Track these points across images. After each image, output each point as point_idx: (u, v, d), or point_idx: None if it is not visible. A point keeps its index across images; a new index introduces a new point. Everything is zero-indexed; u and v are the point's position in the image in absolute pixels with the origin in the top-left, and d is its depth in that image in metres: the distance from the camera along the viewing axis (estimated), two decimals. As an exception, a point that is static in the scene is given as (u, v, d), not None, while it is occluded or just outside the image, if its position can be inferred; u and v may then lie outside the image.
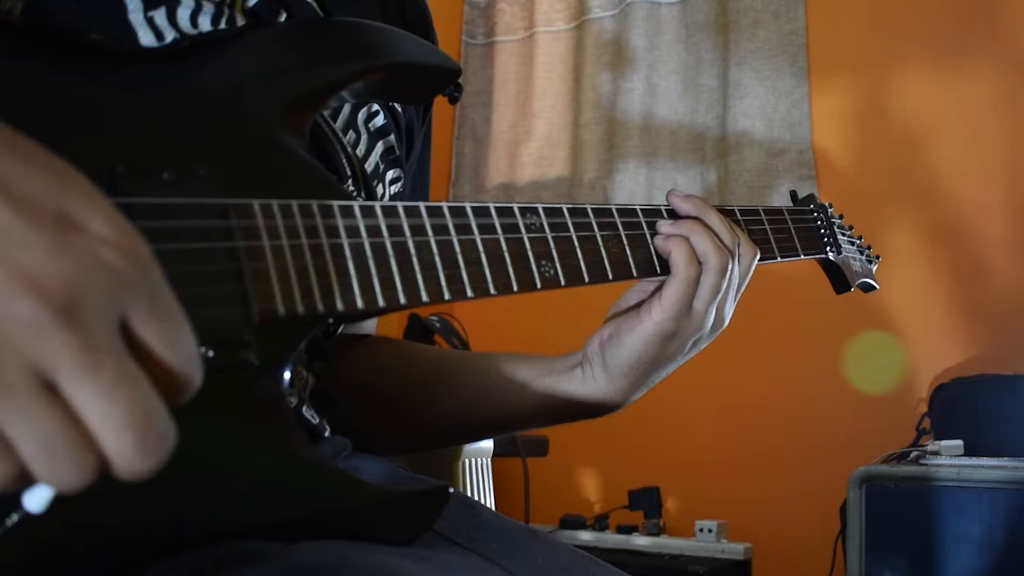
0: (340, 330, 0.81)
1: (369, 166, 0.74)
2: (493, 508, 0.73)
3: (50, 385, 0.33)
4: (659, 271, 0.73)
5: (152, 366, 0.36)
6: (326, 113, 0.70)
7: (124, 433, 0.34)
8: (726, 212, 0.79)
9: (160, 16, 0.59)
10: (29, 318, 0.32)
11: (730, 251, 0.74)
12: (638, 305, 0.74)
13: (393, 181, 0.78)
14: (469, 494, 1.74)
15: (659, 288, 0.73)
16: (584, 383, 0.76)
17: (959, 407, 2.13)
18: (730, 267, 0.74)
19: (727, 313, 0.78)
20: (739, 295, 0.79)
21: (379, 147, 0.76)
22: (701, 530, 2.30)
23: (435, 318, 2.48)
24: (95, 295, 0.34)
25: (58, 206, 0.35)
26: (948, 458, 1.85)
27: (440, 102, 0.77)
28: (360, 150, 0.73)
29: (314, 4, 0.70)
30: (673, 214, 0.76)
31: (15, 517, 0.40)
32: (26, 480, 0.34)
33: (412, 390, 0.82)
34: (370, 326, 0.89)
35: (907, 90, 2.51)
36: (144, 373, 0.35)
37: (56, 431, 0.33)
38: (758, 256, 0.79)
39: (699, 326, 0.74)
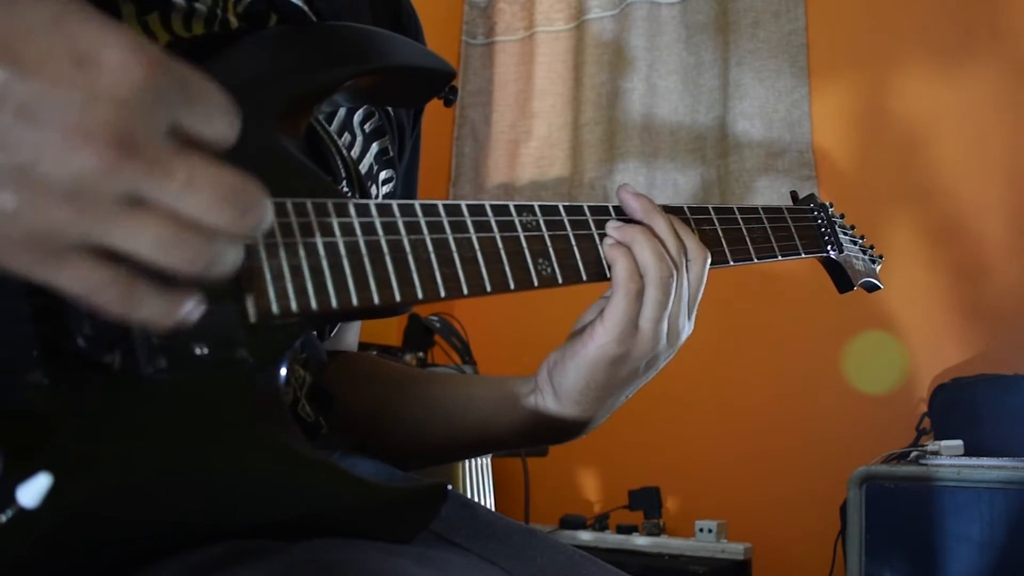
0: (335, 329, 0.81)
1: (363, 167, 0.74)
2: (493, 508, 0.73)
3: (142, 202, 0.38)
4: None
5: (207, 143, 0.41)
6: (321, 117, 0.70)
7: (221, 209, 0.39)
8: (674, 211, 0.74)
9: (154, 20, 0.59)
10: (97, 165, 0.37)
11: (675, 261, 0.68)
12: (587, 325, 0.69)
13: (386, 181, 0.78)
14: (469, 494, 1.74)
15: (603, 310, 0.68)
16: (537, 411, 0.71)
17: (959, 407, 2.13)
18: (675, 279, 0.68)
19: (683, 326, 0.71)
20: (695, 304, 0.73)
21: (374, 148, 0.76)
22: (701, 530, 2.30)
23: (435, 318, 2.48)
24: (139, 120, 0.38)
25: (71, 53, 0.37)
26: (948, 458, 1.85)
27: (436, 103, 0.77)
28: (355, 152, 0.73)
29: (305, 8, 0.70)
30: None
31: (9, 512, 0.40)
32: (149, 292, 0.39)
33: (376, 410, 0.80)
34: (351, 341, 0.88)
35: (907, 90, 2.51)
36: (206, 154, 0.40)
37: (162, 230, 0.39)
38: (709, 259, 0.73)
39: (649, 346, 0.68)
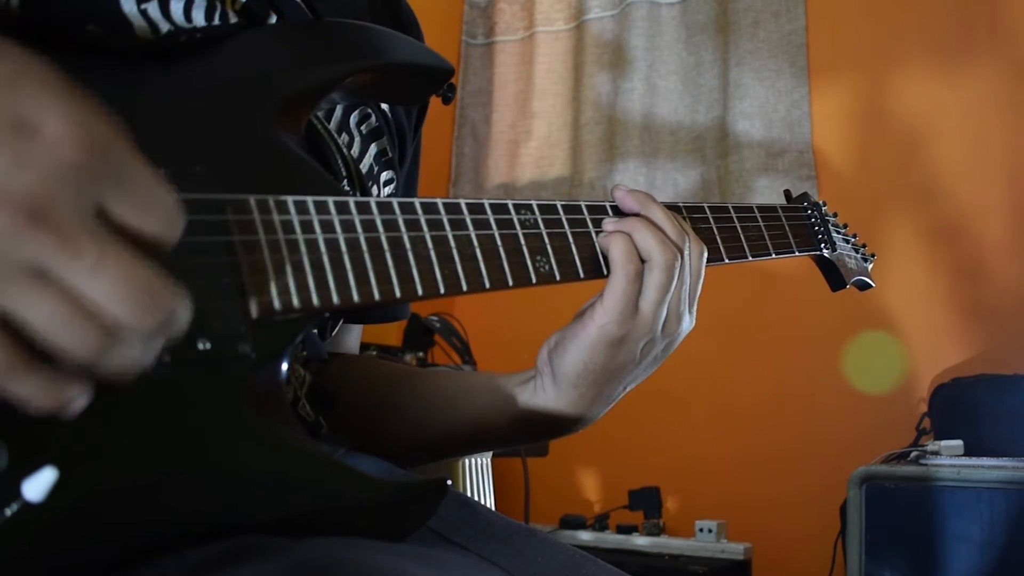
0: (337, 328, 0.81)
1: (364, 167, 0.74)
2: (493, 508, 0.73)
3: (47, 277, 0.37)
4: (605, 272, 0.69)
5: (135, 235, 0.40)
6: (320, 115, 0.70)
7: (121, 300, 0.38)
8: (674, 209, 0.75)
9: (153, 8, 0.59)
10: (5, 228, 0.36)
11: (678, 246, 0.69)
12: (587, 308, 0.70)
13: (387, 183, 0.78)
14: (469, 494, 1.74)
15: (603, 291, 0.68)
16: (535, 396, 0.71)
17: (959, 407, 2.13)
18: (678, 263, 0.69)
19: (684, 315, 0.71)
20: (695, 298, 0.73)
21: (372, 149, 0.76)
22: (701, 530, 2.30)
23: (435, 318, 2.49)
24: (61, 194, 0.37)
25: (12, 115, 0.37)
26: (948, 458, 1.85)
27: (436, 103, 0.77)
28: (354, 152, 0.73)
29: (303, 5, 0.70)
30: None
31: (14, 506, 0.40)
32: (32, 368, 0.38)
33: (376, 406, 0.80)
34: (352, 344, 0.88)
35: (907, 90, 2.51)
36: (127, 245, 0.39)
37: (58, 307, 0.37)
38: (706, 253, 0.74)
39: (648, 328, 0.68)
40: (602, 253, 0.68)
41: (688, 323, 0.72)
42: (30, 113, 0.37)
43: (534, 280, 0.64)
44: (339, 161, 0.69)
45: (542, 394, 0.71)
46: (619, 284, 0.67)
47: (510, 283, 0.62)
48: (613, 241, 0.68)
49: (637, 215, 0.70)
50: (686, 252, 0.70)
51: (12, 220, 0.36)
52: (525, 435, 0.75)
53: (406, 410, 0.79)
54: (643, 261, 0.68)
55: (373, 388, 0.81)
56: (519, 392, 0.72)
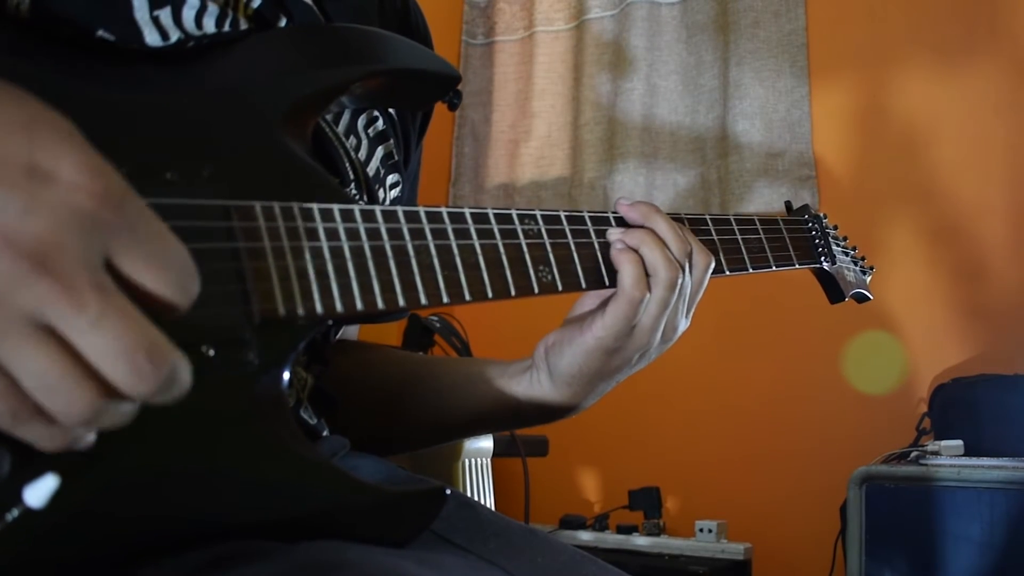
0: (339, 333, 0.82)
1: (371, 170, 0.74)
2: (493, 508, 0.73)
3: (48, 328, 0.36)
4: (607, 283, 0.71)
5: (144, 292, 0.38)
6: (328, 118, 0.70)
7: (117, 360, 0.36)
8: (677, 220, 0.76)
9: (165, 15, 0.59)
10: (9, 272, 0.35)
11: (680, 264, 0.71)
12: (591, 314, 0.72)
13: (393, 186, 0.79)
14: (469, 494, 1.74)
15: (605, 303, 0.70)
16: (531, 387, 0.75)
17: (959, 407, 2.13)
18: (680, 280, 0.71)
19: (680, 325, 0.74)
20: (693, 306, 0.75)
21: (379, 152, 0.76)
22: (701, 530, 2.30)
23: (435, 318, 2.49)
24: (71, 242, 0.36)
25: (27, 160, 0.37)
26: (948, 458, 1.85)
27: (438, 107, 0.77)
28: (361, 155, 0.74)
29: (315, 8, 0.71)
30: None
31: (15, 512, 0.40)
32: (36, 415, 0.37)
33: (383, 388, 0.83)
34: (352, 331, 0.89)
35: (907, 90, 2.51)
36: (132, 302, 0.38)
37: (49, 366, 0.36)
38: (712, 265, 0.76)
39: (644, 342, 0.71)
40: (605, 264, 0.69)
41: (684, 326, 0.75)
42: (45, 159, 0.37)
43: (536, 290, 0.64)
44: (347, 164, 0.70)
45: (538, 387, 0.74)
46: (623, 306, 0.69)
47: (513, 293, 0.62)
48: (624, 261, 0.69)
49: (642, 227, 0.72)
50: (687, 267, 0.72)
51: (16, 264, 0.35)
52: (519, 421, 0.79)
53: (420, 396, 0.81)
54: (647, 285, 0.70)
55: (391, 375, 0.84)
56: (516, 383, 0.76)
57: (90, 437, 0.40)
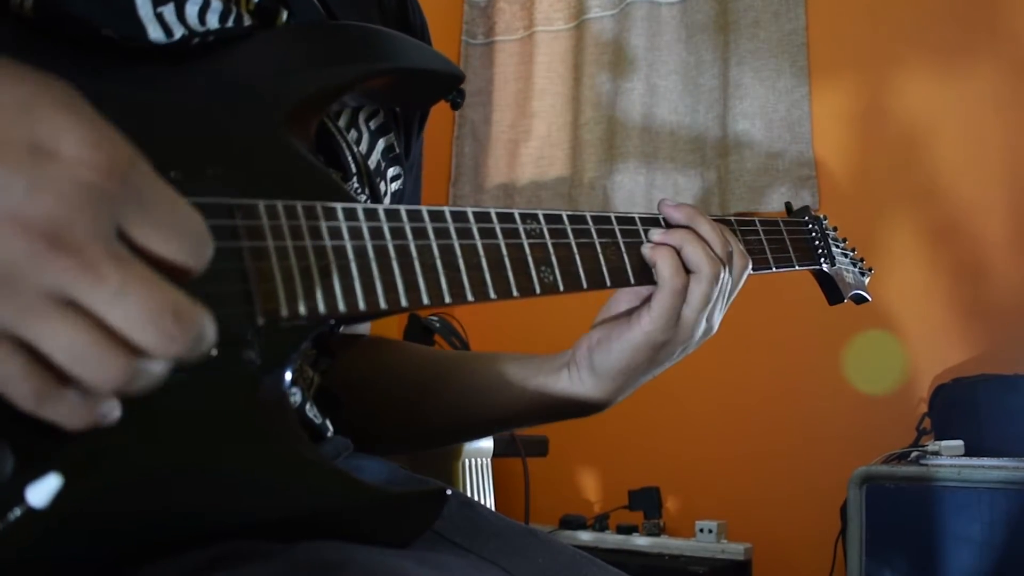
0: (341, 329, 0.82)
1: (372, 163, 0.74)
2: (493, 508, 0.74)
3: (71, 302, 0.36)
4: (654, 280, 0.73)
5: (157, 258, 0.39)
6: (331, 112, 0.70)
7: (146, 327, 0.37)
8: (723, 222, 0.79)
9: (169, 12, 0.59)
10: (26, 253, 0.35)
11: (722, 260, 0.74)
12: (629, 312, 0.75)
13: (394, 178, 0.79)
14: (469, 494, 1.74)
15: (649, 297, 0.73)
16: (571, 384, 0.76)
17: (959, 407, 2.13)
18: (722, 276, 0.74)
19: (716, 320, 0.77)
20: (729, 303, 0.79)
21: (380, 144, 0.76)
22: (701, 530, 2.30)
23: (435, 318, 2.49)
24: (81, 216, 0.36)
25: (29, 137, 0.36)
26: (948, 458, 1.85)
27: (437, 104, 0.77)
28: (362, 148, 0.73)
29: (318, 4, 0.70)
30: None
31: (17, 511, 0.40)
32: (62, 393, 0.37)
33: (406, 389, 0.83)
34: (364, 327, 0.90)
35: (907, 90, 2.51)
36: (150, 268, 0.38)
37: (78, 336, 0.36)
38: (750, 266, 0.79)
39: (689, 334, 0.74)
40: (630, 262, 0.71)
41: (717, 325, 0.78)
42: (47, 136, 0.37)
43: (538, 291, 0.64)
44: (349, 159, 0.70)
45: (578, 384, 0.76)
46: (667, 295, 0.72)
47: (515, 293, 0.62)
48: (660, 254, 0.72)
49: (683, 227, 0.74)
50: (730, 264, 0.75)
51: (31, 246, 0.35)
52: (550, 418, 0.80)
53: (445, 399, 0.82)
54: (689, 272, 0.73)
55: (412, 377, 0.84)
56: (554, 381, 0.77)
57: (115, 412, 0.40)
